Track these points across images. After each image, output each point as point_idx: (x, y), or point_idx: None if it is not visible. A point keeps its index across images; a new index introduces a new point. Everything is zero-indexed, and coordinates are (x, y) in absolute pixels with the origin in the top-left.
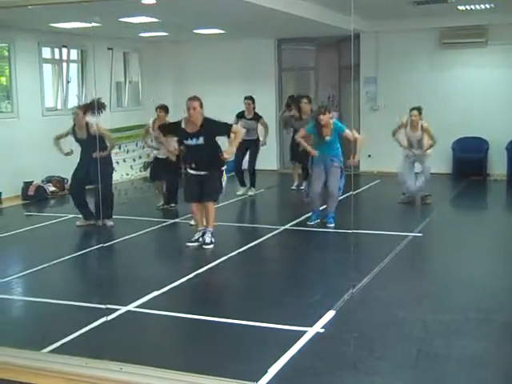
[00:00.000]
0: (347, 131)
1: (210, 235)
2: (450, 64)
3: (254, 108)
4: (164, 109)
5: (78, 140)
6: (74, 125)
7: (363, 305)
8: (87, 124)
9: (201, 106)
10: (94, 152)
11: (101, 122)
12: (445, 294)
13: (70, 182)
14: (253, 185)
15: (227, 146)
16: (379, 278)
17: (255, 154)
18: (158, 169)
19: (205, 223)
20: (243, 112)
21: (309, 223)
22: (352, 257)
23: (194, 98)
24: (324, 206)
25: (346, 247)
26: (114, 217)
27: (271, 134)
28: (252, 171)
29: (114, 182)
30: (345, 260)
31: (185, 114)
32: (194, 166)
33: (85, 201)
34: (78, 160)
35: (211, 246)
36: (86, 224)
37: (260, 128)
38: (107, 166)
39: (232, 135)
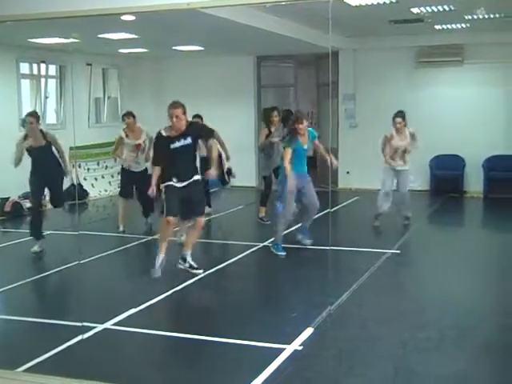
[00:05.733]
0: (317, 141)
1: (190, 258)
2: (427, 82)
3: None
4: (131, 115)
5: (32, 149)
6: (26, 135)
7: (341, 322)
8: (41, 131)
9: (184, 112)
10: (50, 159)
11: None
12: (422, 311)
13: (30, 191)
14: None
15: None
16: (357, 295)
17: None
18: (129, 183)
19: (184, 241)
20: None
21: (278, 253)
22: (330, 274)
23: (177, 105)
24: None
25: (324, 264)
26: (90, 233)
27: (250, 151)
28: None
29: (93, 198)
30: (323, 277)
31: (168, 122)
32: (179, 174)
33: (40, 216)
34: (32, 170)
35: (201, 271)
36: (41, 249)
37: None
38: (61, 173)
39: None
